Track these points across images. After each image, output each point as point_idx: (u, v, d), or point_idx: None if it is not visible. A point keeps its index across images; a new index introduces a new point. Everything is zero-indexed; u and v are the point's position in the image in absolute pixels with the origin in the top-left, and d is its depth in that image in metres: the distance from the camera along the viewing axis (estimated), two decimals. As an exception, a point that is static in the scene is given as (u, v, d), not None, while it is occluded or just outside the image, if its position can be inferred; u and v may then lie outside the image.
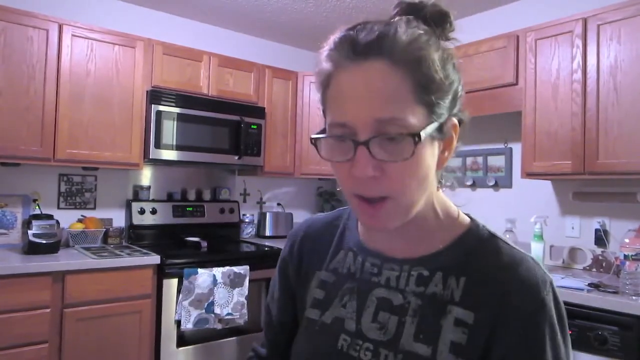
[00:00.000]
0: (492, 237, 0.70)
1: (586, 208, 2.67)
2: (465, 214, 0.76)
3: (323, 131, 0.63)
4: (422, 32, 0.61)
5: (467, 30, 3.34)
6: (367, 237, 0.76)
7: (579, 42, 2.37)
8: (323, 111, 0.66)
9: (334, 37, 0.64)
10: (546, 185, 2.83)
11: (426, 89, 0.59)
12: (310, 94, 3.69)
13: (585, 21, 2.35)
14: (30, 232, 2.61)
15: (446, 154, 0.68)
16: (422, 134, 0.58)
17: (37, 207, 2.86)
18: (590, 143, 2.32)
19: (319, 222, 0.86)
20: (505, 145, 3.04)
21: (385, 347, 0.67)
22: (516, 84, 2.64)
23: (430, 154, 0.63)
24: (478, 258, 0.68)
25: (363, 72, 0.59)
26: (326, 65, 0.63)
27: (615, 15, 2.25)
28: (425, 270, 0.69)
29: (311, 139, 0.64)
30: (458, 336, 0.63)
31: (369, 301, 0.71)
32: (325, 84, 0.63)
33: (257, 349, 0.91)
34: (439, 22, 0.63)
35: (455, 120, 0.66)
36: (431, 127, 0.60)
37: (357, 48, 0.60)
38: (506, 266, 0.66)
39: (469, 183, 3.20)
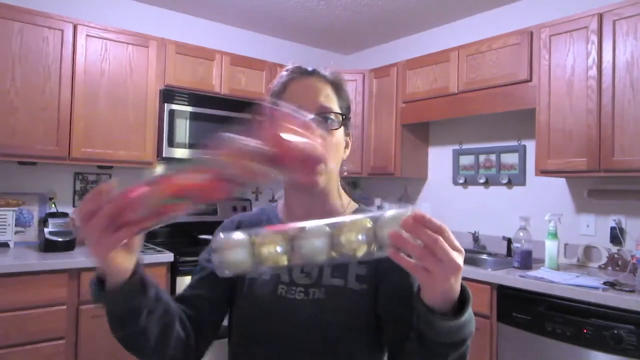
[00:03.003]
0: (370, 211, 0.99)
1: (601, 206, 2.63)
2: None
3: None
4: (335, 73, 1.00)
5: (480, 26, 3.32)
6: (287, 217, 1.01)
7: (594, 38, 2.33)
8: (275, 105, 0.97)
9: (286, 68, 0.99)
10: (560, 183, 2.80)
11: (341, 100, 0.98)
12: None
13: (600, 16, 2.32)
14: (46, 230, 2.65)
15: (347, 150, 1.02)
16: (343, 118, 0.96)
17: (53, 206, 2.90)
18: (605, 140, 2.29)
19: (246, 217, 1.10)
20: (519, 142, 3.01)
21: (312, 287, 0.93)
22: (530, 80, 2.62)
23: (342, 140, 0.97)
24: None
25: (309, 82, 0.97)
26: (282, 79, 0.98)
27: (631, 11, 2.22)
28: None
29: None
30: (360, 270, 0.93)
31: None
32: (281, 90, 0.97)
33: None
34: (338, 73, 1.01)
35: (351, 130, 1.04)
36: (345, 120, 0.97)
37: (304, 71, 0.98)
38: None
39: (482, 181, 3.18)
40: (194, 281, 1.05)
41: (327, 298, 0.92)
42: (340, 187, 1.03)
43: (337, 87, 0.99)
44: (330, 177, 0.95)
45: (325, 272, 0.95)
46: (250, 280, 0.98)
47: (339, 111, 0.97)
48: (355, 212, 1.01)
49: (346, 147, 1.01)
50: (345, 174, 1.07)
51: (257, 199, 3.82)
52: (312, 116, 0.85)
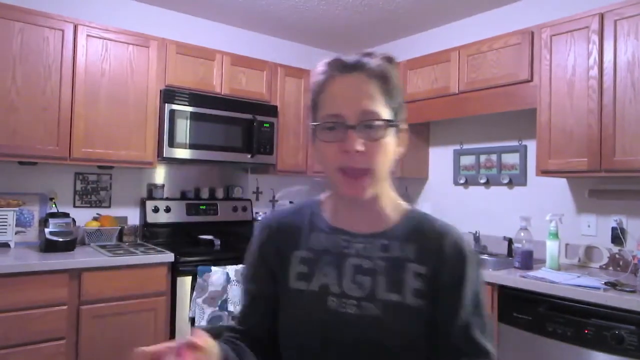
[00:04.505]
0: (425, 214, 0.97)
1: (602, 206, 2.63)
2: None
3: (317, 124, 0.88)
4: (384, 61, 0.89)
5: (481, 26, 3.32)
6: (335, 220, 0.96)
7: (595, 38, 2.33)
8: (313, 110, 0.90)
9: (324, 61, 0.90)
10: (561, 183, 2.80)
11: (389, 96, 0.87)
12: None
13: (602, 16, 2.32)
14: (47, 230, 2.65)
15: (400, 148, 0.92)
16: (390, 123, 0.86)
17: (53, 206, 2.90)
18: (606, 140, 2.28)
19: (286, 213, 1.04)
20: (520, 142, 3.01)
21: (366, 300, 0.87)
22: (531, 80, 2.61)
23: (393, 142, 0.88)
24: (421, 229, 0.93)
25: (350, 80, 0.86)
26: (320, 77, 0.89)
27: (632, 11, 2.21)
28: (386, 240, 0.92)
29: (310, 126, 0.89)
30: (417, 284, 0.87)
31: (346, 268, 0.90)
32: (319, 91, 0.88)
33: (233, 328, 1.00)
34: (389, 61, 0.90)
35: (405, 125, 0.92)
36: (394, 122, 0.87)
37: (345, 65, 0.87)
38: (440, 233, 0.92)
39: (482, 181, 3.18)
40: (250, 304, 1.00)
41: (383, 315, 0.85)
42: (391, 189, 0.96)
43: (386, 81, 0.87)
44: (380, 181, 0.88)
45: (379, 283, 0.88)
46: (298, 291, 0.92)
47: (387, 112, 0.86)
48: (405, 215, 0.96)
49: (400, 144, 0.91)
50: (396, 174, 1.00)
51: (257, 199, 3.81)
52: (352, 124, 0.82)
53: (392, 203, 0.96)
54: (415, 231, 0.92)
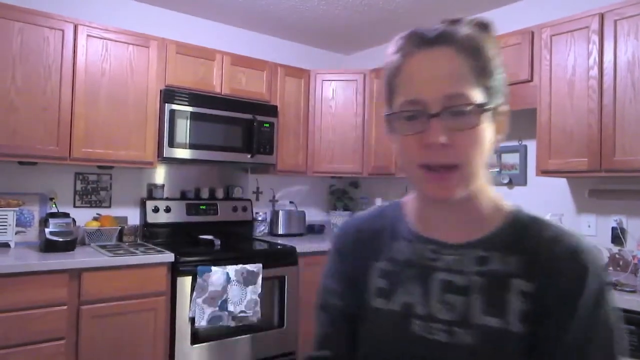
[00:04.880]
0: (534, 217, 0.78)
1: (602, 206, 2.63)
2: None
3: (392, 113, 0.74)
4: (476, 30, 0.73)
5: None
6: (420, 226, 0.81)
7: (595, 38, 2.33)
8: (388, 97, 0.75)
9: (400, 35, 0.74)
10: (561, 183, 2.80)
11: (483, 74, 0.70)
12: (323, 92, 3.68)
13: (602, 16, 2.32)
14: (47, 230, 2.65)
15: (498, 136, 0.74)
16: (484, 107, 0.69)
17: (53, 206, 2.90)
18: (606, 140, 2.28)
19: (366, 218, 0.91)
20: (520, 142, 3.01)
21: (458, 325, 0.71)
22: (531, 80, 2.61)
23: (489, 130, 0.71)
24: (527, 236, 0.75)
25: (432, 57, 0.70)
26: (395, 57, 0.73)
27: (632, 10, 2.21)
28: (483, 252, 0.74)
29: (385, 116, 0.75)
30: (523, 305, 0.69)
31: (433, 285, 0.75)
32: (394, 73, 0.73)
33: (316, 356, 0.86)
34: (482, 28, 0.75)
35: (506, 107, 0.75)
36: (489, 106, 0.70)
37: (425, 39, 0.71)
38: (551, 240, 0.73)
39: (482, 181, 3.18)
40: (332, 323, 0.85)
41: (480, 345, 0.69)
42: (489, 187, 0.78)
43: (477, 54, 0.70)
44: (473, 179, 0.71)
45: (474, 304, 0.71)
46: (376, 310, 0.79)
47: (479, 94, 0.69)
48: (508, 219, 0.77)
49: (498, 131, 0.74)
50: (497, 168, 0.89)
51: (257, 199, 3.81)
52: (434, 112, 0.67)
53: (490, 204, 0.77)
54: (520, 238, 0.74)
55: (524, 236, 0.75)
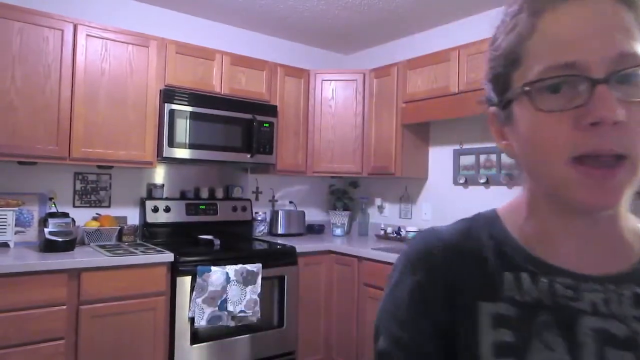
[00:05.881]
0: None
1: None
2: None
3: (530, 82, 0.53)
4: None
5: (480, 26, 3.31)
6: (542, 251, 0.58)
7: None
8: (509, 68, 0.56)
9: None
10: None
11: None
12: (322, 92, 3.68)
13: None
14: (46, 230, 2.65)
15: None
16: None
17: (53, 206, 2.90)
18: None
19: (452, 235, 0.63)
20: (520, 142, 3.00)
21: None
22: (531, 80, 2.61)
23: None
24: None
25: (587, 8, 0.51)
26: (520, 18, 0.56)
27: None
28: (637, 287, 0.55)
29: (525, 85, 0.53)
30: None
31: (582, 336, 0.53)
32: (523, 37, 0.55)
33: None
34: None
35: None
36: None
37: None
38: None
39: (482, 181, 3.18)
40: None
41: None
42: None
43: (635, 5, 0.52)
44: (637, 179, 0.52)
45: None
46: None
47: None
48: None
49: None
50: None
51: (257, 199, 3.81)
52: (601, 78, 0.49)
53: (628, 222, 0.58)
54: None
55: None
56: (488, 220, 0.64)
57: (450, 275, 0.60)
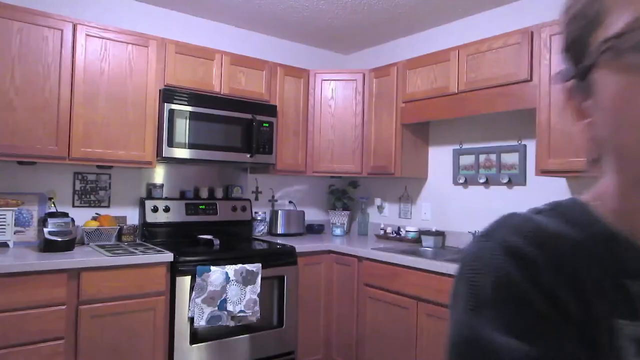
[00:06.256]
0: None
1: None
2: None
3: (620, 34, 0.42)
4: None
5: (480, 26, 3.31)
6: None
7: (594, 37, 2.32)
8: (581, 37, 0.48)
9: None
10: (561, 183, 2.80)
11: None
12: (322, 92, 3.68)
13: (601, 16, 2.31)
14: (45, 230, 2.64)
15: None
16: None
17: (52, 205, 2.89)
18: (606, 140, 2.28)
19: (550, 234, 0.48)
20: (519, 142, 3.01)
21: None
22: (530, 80, 2.61)
23: None
24: None
25: None
26: None
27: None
28: None
29: (607, 40, 0.43)
30: None
31: None
32: None
33: None
34: None
35: None
36: None
37: None
38: None
39: (482, 180, 3.18)
40: None
41: None
42: None
43: None
44: None
45: None
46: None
47: None
48: None
49: None
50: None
51: (256, 199, 3.81)
52: None
53: None
54: None
55: None
56: (581, 212, 0.50)
57: (558, 284, 0.45)
